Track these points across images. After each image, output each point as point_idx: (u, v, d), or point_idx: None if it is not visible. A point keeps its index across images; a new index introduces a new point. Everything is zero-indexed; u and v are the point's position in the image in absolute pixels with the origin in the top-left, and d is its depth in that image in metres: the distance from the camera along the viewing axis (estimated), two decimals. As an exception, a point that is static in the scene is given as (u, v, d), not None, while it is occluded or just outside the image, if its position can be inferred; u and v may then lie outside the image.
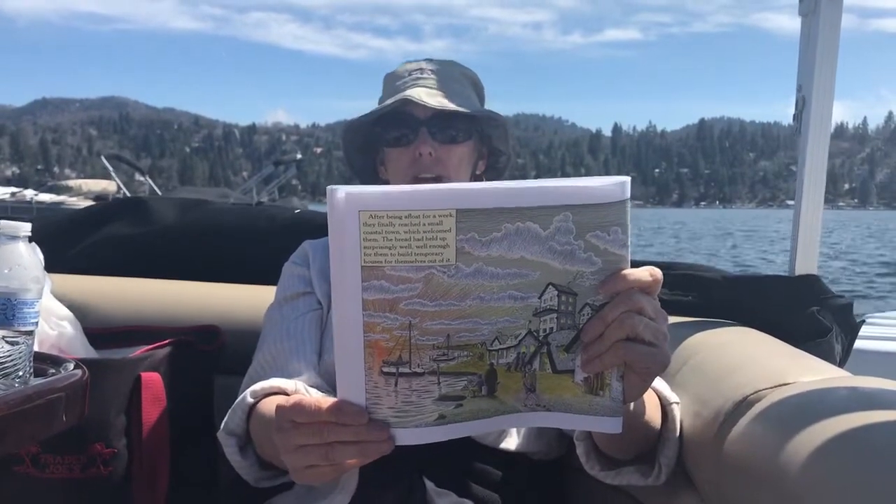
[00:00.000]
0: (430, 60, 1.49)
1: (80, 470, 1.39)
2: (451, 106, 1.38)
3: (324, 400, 0.86)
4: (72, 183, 22.05)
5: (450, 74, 1.47)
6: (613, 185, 0.82)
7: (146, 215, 2.03)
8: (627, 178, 0.83)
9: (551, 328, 0.87)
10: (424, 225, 0.80)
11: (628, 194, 0.83)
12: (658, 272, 0.88)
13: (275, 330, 1.39)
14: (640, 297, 0.86)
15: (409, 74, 1.45)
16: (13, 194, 19.77)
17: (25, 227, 1.11)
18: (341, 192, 0.79)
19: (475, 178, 1.50)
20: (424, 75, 1.44)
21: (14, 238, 1.10)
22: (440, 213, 0.80)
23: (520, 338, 0.87)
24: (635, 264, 0.88)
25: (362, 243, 0.79)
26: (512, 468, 1.29)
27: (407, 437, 0.85)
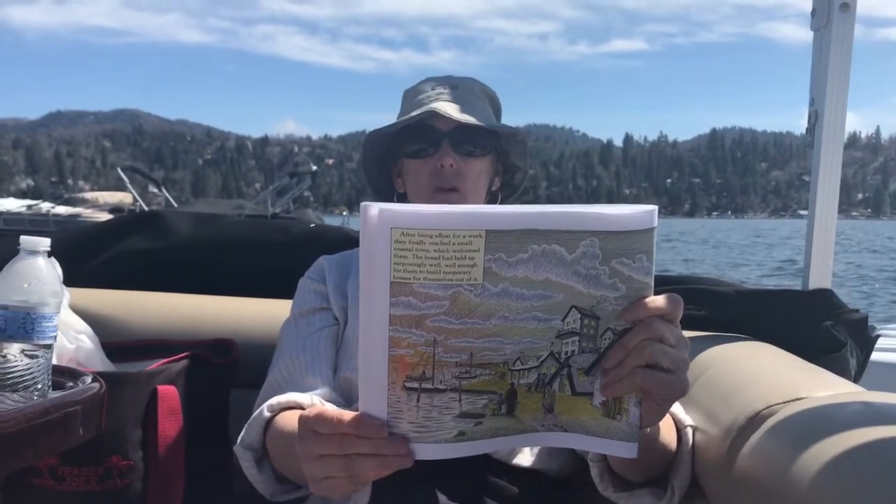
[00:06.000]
0: (450, 77, 1.51)
1: (97, 482, 1.40)
2: (475, 120, 1.40)
3: (346, 412, 0.87)
4: (88, 195, 22.11)
5: (470, 90, 1.49)
6: (641, 213, 0.84)
7: (162, 229, 2.04)
8: (654, 207, 0.85)
9: (573, 351, 0.88)
10: (454, 244, 0.81)
11: (655, 223, 0.85)
12: (679, 300, 0.89)
13: (290, 345, 1.40)
14: (661, 324, 0.87)
15: (433, 90, 1.46)
16: (30, 207, 19.83)
17: (44, 242, 1.13)
18: (374, 208, 0.80)
19: (491, 194, 1.51)
20: (446, 91, 1.46)
21: (33, 253, 1.11)
22: (470, 233, 0.81)
23: (542, 359, 0.88)
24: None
25: (393, 260, 0.80)
26: (525, 484, 1.29)
27: (426, 452, 0.86)
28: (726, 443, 1.07)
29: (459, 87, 1.47)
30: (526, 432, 0.91)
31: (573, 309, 0.87)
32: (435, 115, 1.39)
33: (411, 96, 1.49)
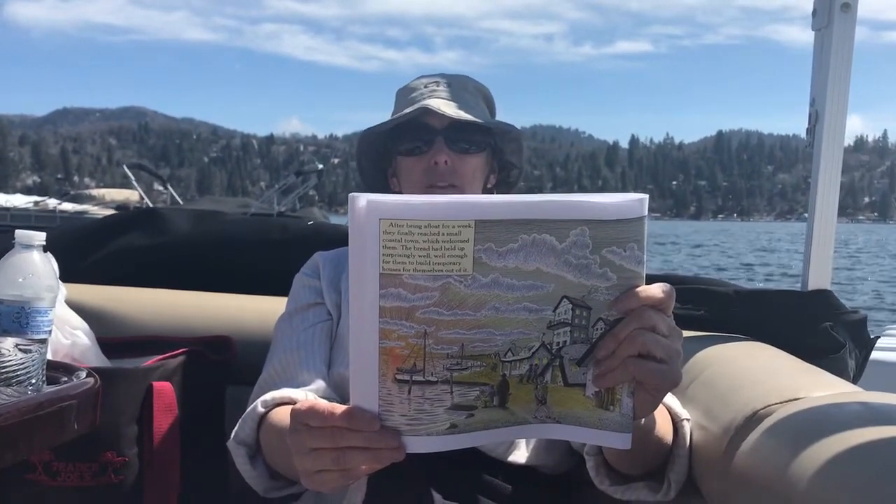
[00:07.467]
0: (443, 75, 1.50)
1: (92, 478, 1.40)
2: (469, 116, 1.39)
3: (338, 405, 0.87)
4: (94, 192, 22.22)
5: (464, 87, 1.48)
6: (631, 201, 0.83)
7: (161, 226, 2.04)
8: (645, 196, 0.84)
9: (564, 341, 0.88)
10: (443, 235, 0.80)
11: (646, 211, 0.84)
12: (671, 289, 0.88)
13: (285, 341, 1.40)
14: (653, 314, 0.86)
15: (426, 87, 1.46)
16: (36, 203, 19.91)
17: (39, 237, 1.13)
18: (363, 199, 0.79)
19: (486, 191, 1.50)
20: (440, 88, 1.45)
21: (28, 247, 1.11)
22: (459, 223, 0.80)
23: (533, 350, 0.87)
24: (649, 277, 0.88)
25: (382, 251, 0.80)
26: (521, 481, 1.29)
27: (418, 445, 0.85)
28: (724, 442, 1.07)
29: (453, 84, 1.46)
30: (519, 424, 0.91)
31: (564, 299, 0.86)
32: (428, 112, 1.38)
33: (405, 94, 1.48)
